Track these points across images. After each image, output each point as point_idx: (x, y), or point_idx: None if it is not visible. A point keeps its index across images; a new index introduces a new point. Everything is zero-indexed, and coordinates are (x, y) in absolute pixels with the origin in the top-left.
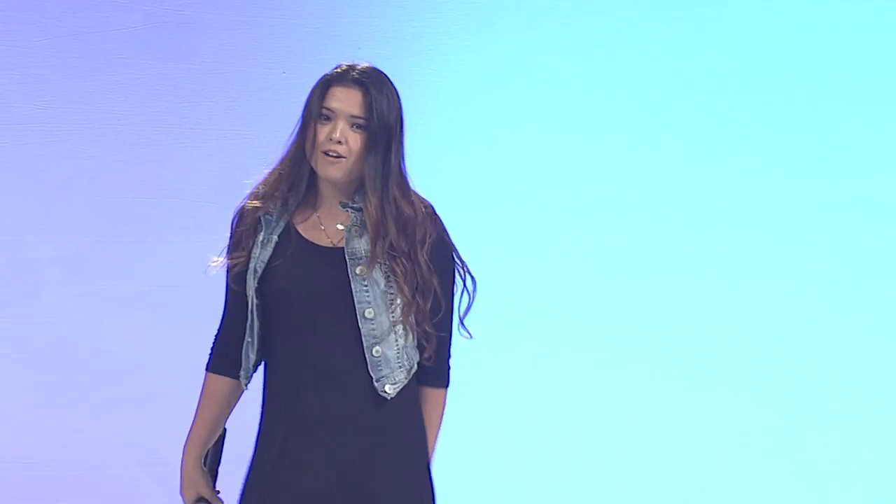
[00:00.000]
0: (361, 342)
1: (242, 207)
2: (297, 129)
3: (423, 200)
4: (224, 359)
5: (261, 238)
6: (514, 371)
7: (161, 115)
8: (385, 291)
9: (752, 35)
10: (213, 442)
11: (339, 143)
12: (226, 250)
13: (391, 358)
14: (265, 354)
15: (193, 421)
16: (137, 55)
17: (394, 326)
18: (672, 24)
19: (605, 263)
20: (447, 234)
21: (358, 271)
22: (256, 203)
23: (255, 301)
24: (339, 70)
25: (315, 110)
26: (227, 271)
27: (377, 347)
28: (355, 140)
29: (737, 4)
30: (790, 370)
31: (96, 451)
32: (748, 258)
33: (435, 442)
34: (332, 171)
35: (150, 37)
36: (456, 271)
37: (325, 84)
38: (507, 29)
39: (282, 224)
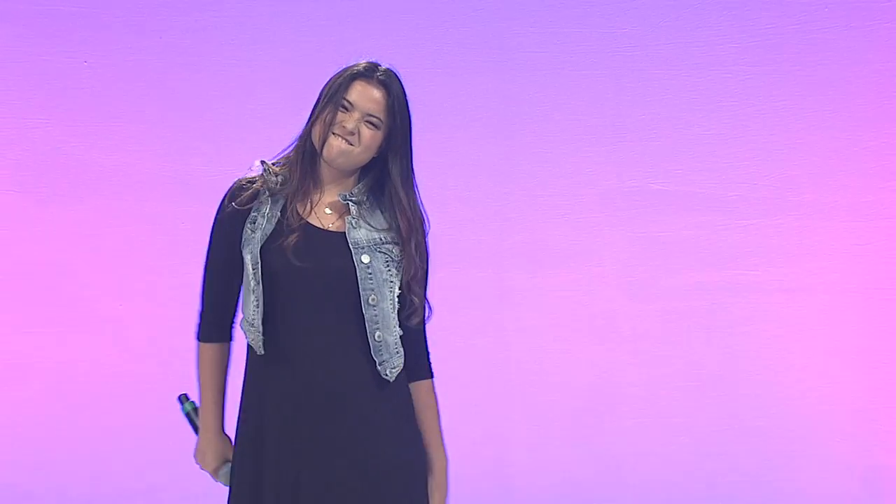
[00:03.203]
0: (364, 327)
1: (240, 180)
2: (309, 117)
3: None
4: (217, 326)
5: (265, 210)
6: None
7: None
8: (386, 280)
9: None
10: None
11: (352, 133)
12: (218, 221)
13: (391, 343)
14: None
15: (202, 392)
16: None
17: (393, 314)
18: None
19: None
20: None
21: (364, 259)
22: (255, 178)
23: (259, 268)
24: (363, 66)
25: (336, 98)
26: (215, 240)
27: (379, 333)
28: (366, 135)
29: None
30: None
31: None
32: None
33: (441, 429)
34: (338, 156)
35: None
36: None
37: (351, 77)
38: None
39: (280, 202)
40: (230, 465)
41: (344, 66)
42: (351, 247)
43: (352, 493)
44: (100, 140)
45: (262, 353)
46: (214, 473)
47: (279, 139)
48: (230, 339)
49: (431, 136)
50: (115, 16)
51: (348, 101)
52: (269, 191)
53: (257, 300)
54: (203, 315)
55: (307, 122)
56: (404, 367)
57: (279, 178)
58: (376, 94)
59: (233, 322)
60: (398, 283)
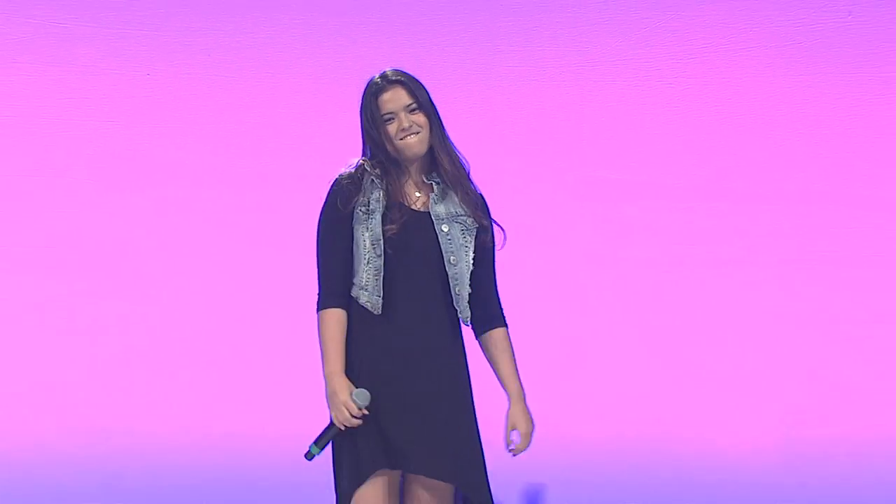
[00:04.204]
0: (448, 283)
1: (341, 177)
2: (364, 135)
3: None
4: (338, 295)
5: (375, 197)
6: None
7: None
8: (462, 245)
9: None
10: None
11: (410, 127)
12: (332, 209)
13: (465, 297)
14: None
15: (328, 347)
16: None
17: (467, 273)
18: None
19: None
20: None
21: (444, 228)
22: (353, 173)
23: (381, 244)
24: (376, 81)
25: (378, 120)
26: (331, 225)
27: (458, 287)
28: (418, 118)
29: None
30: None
31: None
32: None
33: (517, 368)
34: (415, 147)
35: None
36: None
37: (373, 95)
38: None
39: (380, 190)
40: (358, 389)
41: (364, 89)
42: (434, 220)
43: (436, 398)
44: (158, 138)
45: (380, 313)
46: (348, 401)
47: (308, 138)
48: (348, 305)
49: None
50: (171, 37)
51: (388, 113)
52: (373, 180)
53: (377, 270)
54: (325, 288)
55: (365, 142)
56: (479, 318)
57: (378, 171)
58: (399, 91)
59: (349, 292)
60: (472, 248)
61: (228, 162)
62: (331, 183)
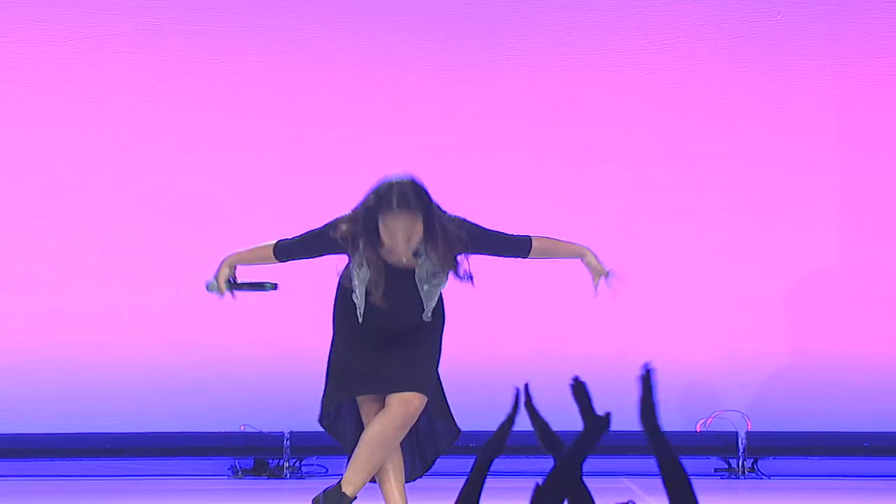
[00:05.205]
0: (423, 309)
1: (339, 225)
2: (362, 211)
3: (453, 220)
4: (284, 257)
5: (358, 256)
6: None
7: None
8: (436, 292)
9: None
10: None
11: (405, 251)
12: (328, 227)
13: (431, 308)
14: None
15: (240, 253)
16: None
17: (434, 300)
18: None
19: None
20: (466, 222)
21: (424, 287)
22: (346, 229)
23: (364, 301)
24: (388, 199)
25: (378, 230)
26: (313, 239)
27: (427, 310)
28: (415, 237)
29: None
30: None
31: None
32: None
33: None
34: (403, 256)
35: None
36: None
37: (381, 209)
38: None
39: (364, 247)
40: (211, 280)
41: (377, 190)
42: (417, 280)
43: (405, 341)
44: (231, 113)
45: (361, 321)
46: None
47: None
48: (281, 258)
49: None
50: (241, 32)
51: (390, 233)
52: (360, 241)
53: (362, 302)
54: (281, 246)
55: (361, 211)
56: (520, 256)
57: (359, 236)
58: (404, 220)
59: (291, 257)
60: (442, 288)
61: (290, 129)
62: (331, 221)
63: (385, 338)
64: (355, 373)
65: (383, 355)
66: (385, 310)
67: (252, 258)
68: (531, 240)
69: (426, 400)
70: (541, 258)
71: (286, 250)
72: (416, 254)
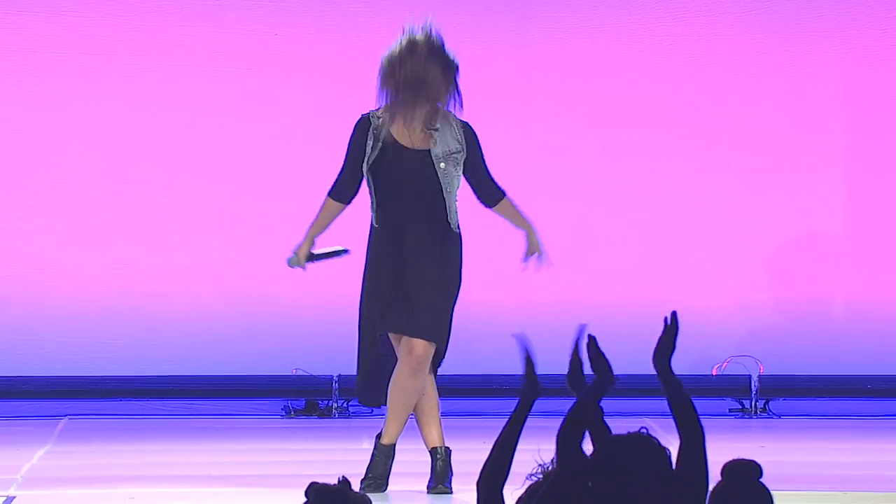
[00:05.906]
0: (443, 200)
1: (365, 118)
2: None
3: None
4: (346, 192)
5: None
6: None
7: None
8: (455, 176)
9: None
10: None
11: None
12: (355, 142)
13: (453, 210)
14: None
15: (312, 226)
16: None
17: (455, 192)
18: None
19: None
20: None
21: (441, 166)
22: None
23: (372, 178)
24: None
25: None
26: (352, 153)
27: (453, 213)
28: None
29: None
30: None
31: None
32: None
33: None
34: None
35: None
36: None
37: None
38: None
39: (383, 133)
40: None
41: (400, 47)
42: (434, 159)
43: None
44: (285, 81)
45: (377, 225)
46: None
47: None
48: (348, 203)
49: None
50: (293, 5)
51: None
52: (377, 128)
53: (372, 198)
54: (334, 189)
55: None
56: (484, 196)
57: (381, 120)
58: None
59: (353, 196)
60: (460, 175)
61: (337, 98)
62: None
63: (403, 253)
64: (377, 305)
65: (401, 283)
66: (404, 197)
67: (324, 221)
68: (504, 194)
69: (432, 346)
70: (498, 214)
71: (339, 188)
72: (429, 128)
